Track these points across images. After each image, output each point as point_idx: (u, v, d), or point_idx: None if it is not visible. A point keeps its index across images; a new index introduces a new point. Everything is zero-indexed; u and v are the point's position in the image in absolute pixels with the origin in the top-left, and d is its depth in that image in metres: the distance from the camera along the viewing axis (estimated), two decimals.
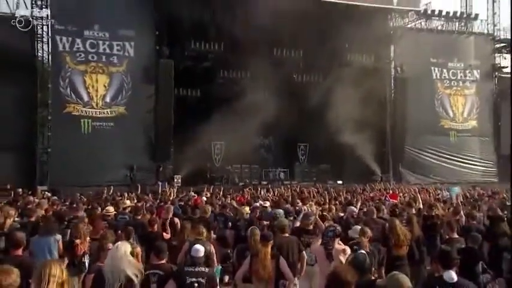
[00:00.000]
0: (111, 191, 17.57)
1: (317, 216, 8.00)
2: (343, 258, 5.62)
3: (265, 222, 8.70)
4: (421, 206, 9.60)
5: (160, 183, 23.00)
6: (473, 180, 30.20)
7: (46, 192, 19.22)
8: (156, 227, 8.10)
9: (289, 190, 19.64)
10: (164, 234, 8.05)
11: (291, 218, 9.65)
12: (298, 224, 7.80)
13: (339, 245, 5.99)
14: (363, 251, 5.12)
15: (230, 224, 9.75)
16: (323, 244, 5.97)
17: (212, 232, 8.89)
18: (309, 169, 29.37)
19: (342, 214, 10.05)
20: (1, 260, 5.15)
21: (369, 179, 28.00)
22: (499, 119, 32.16)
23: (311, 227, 7.39)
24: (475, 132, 31.84)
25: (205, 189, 18.57)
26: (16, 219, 9.99)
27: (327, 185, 26.85)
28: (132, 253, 5.83)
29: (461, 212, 9.19)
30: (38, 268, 4.04)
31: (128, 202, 10.84)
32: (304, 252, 6.55)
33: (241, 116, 24.41)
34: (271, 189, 19.55)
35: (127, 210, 10.13)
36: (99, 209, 10.09)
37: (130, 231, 7.22)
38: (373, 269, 5.41)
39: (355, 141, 28.10)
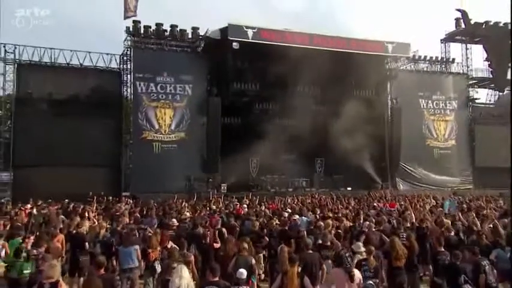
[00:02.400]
0: (175, 198, 17.72)
1: (333, 233, 7.84)
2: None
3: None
4: (414, 220, 9.21)
5: (211, 191, 23.15)
6: (454, 187, 29.47)
7: (128, 199, 19.47)
8: (208, 239, 7.96)
9: (310, 198, 19.34)
10: (214, 244, 7.91)
11: (312, 227, 9.45)
12: (320, 241, 7.49)
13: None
14: (371, 282, 4.94)
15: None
16: (344, 269, 5.59)
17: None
18: (324, 179, 28.84)
19: (351, 224, 9.78)
20: (91, 277, 5.28)
21: (372, 186, 27.59)
22: (473, 139, 31.65)
23: (329, 243, 7.18)
24: (454, 150, 31.13)
25: (245, 197, 18.36)
26: (108, 226, 10.15)
27: (339, 191, 26.48)
28: (187, 262, 5.86)
29: (446, 225, 8.82)
30: None
31: (187, 214, 10.77)
32: (324, 264, 6.34)
33: (272, 137, 24.15)
34: (295, 198, 19.21)
35: (187, 220, 10.09)
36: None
37: (183, 243, 7.13)
38: None
39: (361, 156, 27.78)
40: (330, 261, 6.39)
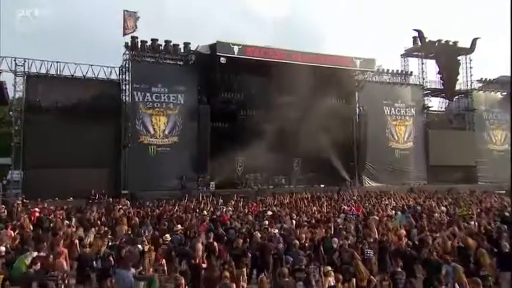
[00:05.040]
0: (166, 201, 17.44)
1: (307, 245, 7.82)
2: None
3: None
4: (377, 236, 9.25)
5: (201, 189, 23.06)
6: (410, 182, 30.00)
7: (125, 200, 19.09)
8: (197, 260, 7.61)
9: (288, 198, 19.34)
10: (202, 265, 7.55)
11: (289, 240, 9.40)
12: (297, 266, 7.28)
13: None
14: None
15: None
16: None
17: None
18: (301, 176, 28.84)
19: (324, 234, 9.80)
20: None
21: (341, 183, 27.86)
22: (427, 141, 31.88)
23: (303, 266, 7.10)
24: (412, 150, 31.42)
25: (231, 201, 18.03)
26: (109, 237, 9.89)
27: (313, 187, 26.76)
28: (178, 285, 5.78)
29: (403, 238, 8.96)
30: None
31: (179, 226, 10.52)
32: None
33: (255, 140, 24.04)
34: (275, 198, 19.18)
35: (179, 232, 9.94)
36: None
37: (174, 260, 6.93)
38: None
39: (332, 157, 28.06)
40: (301, 283, 6.36)
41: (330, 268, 6.37)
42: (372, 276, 6.47)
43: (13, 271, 7.27)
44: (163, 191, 22.63)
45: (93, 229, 10.66)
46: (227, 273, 6.17)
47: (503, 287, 7.54)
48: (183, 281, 6.24)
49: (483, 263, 7.37)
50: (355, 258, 7.47)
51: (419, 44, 31.97)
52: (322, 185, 27.45)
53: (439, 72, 32.42)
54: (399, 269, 6.78)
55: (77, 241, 9.42)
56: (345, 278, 6.81)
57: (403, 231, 9.61)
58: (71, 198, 21.58)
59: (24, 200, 20.15)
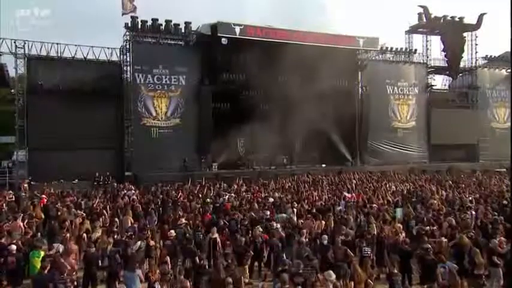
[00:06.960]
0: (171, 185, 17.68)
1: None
2: None
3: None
4: (375, 232, 9.40)
5: (203, 172, 23.23)
6: (412, 161, 30.11)
7: (130, 185, 19.28)
8: (202, 261, 7.74)
9: (290, 181, 19.52)
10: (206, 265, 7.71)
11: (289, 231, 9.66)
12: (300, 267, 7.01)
13: None
14: None
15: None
16: None
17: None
18: (302, 156, 28.72)
19: (323, 227, 10.01)
20: None
21: (343, 163, 28.05)
22: (430, 120, 31.69)
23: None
24: (414, 129, 31.32)
25: (234, 185, 18.20)
26: (115, 229, 10.12)
27: (314, 167, 26.97)
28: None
29: (400, 233, 9.15)
30: None
31: (183, 220, 10.62)
32: None
33: (256, 121, 24.15)
34: (276, 182, 19.32)
35: (182, 225, 10.15)
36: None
37: (181, 270, 7.19)
38: None
39: (334, 137, 28.18)
40: None
41: (333, 276, 6.49)
42: (369, 280, 6.71)
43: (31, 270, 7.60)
44: (166, 172, 22.86)
45: (99, 221, 10.90)
46: (230, 279, 6.36)
47: (493, 283, 7.77)
48: (188, 284, 6.44)
49: (477, 262, 7.58)
50: (349, 256, 7.69)
51: (425, 20, 31.18)
52: (323, 165, 27.64)
53: (443, 50, 31.78)
54: (396, 271, 7.01)
55: (84, 235, 9.65)
56: (339, 275, 7.02)
57: (399, 225, 9.82)
58: (76, 180, 21.94)
59: (32, 183, 20.54)
